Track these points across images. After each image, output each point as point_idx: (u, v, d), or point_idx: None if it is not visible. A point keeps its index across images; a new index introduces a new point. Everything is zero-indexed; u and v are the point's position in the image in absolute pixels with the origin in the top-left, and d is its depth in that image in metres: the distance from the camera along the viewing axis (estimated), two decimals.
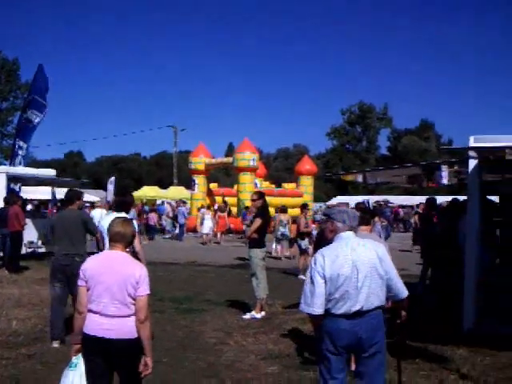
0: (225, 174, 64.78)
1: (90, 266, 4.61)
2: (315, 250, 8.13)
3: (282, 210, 19.22)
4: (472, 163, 8.11)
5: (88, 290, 4.50)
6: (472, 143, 8.02)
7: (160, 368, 6.38)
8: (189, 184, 35.29)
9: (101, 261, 4.67)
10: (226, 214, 27.39)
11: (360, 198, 40.45)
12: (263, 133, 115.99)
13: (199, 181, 32.31)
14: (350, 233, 4.70)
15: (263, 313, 9.97)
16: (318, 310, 4.50)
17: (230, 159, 32.15)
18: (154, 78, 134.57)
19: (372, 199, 42.63)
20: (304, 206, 16.35)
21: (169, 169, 58.37)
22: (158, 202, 38.39)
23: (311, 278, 4.55)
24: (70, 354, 4.73)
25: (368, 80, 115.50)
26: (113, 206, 8.70)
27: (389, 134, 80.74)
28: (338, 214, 4.76)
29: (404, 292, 4.70)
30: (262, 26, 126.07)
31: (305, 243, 15.50)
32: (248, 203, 26.36)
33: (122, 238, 4.63)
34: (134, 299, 4.44)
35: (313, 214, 32.84)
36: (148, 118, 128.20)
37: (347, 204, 23.74)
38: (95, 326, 4.45)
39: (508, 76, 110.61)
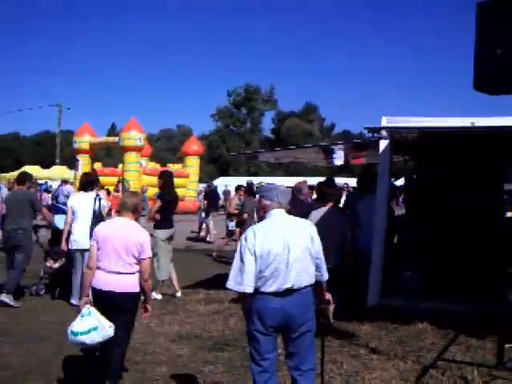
0: (106, 155, 63.06)
1: (102, 229, 5.48)
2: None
3: None
4: (383, 143, 8.19)
5: (98, 249, 5.29)
6: (384, 123, 8.15)
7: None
8: (72, 164, 34.00)
9: (111, 225, 5.57)
10: (120, 193, 26.75)
11: (243, 179, 40.80)
12: (146, 113, 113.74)
13: (84, 160, 31.16)
14: (282, 210, 4.64)
15: (160, 296, 9.74)
16: (249, 288, 4.38)
17: (115, 138, 31.24)
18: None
19: (256, 180, 42.95)
20: (239, 187, 16.26)
21: (51, 148, 56.27)
22: (41, 181, 36.77)
23: (241, 255, 4.44)
24: (81, 306, 5.36)
25: (254, 62, 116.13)
26: (80, 185, 9.42)
27: (273, 116, 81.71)
28: (267, 192, 4.72)
29: (326, 274, 4.71)
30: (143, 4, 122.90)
31: (232, 224, 15.38)
32: (132, 182, 26.62)
33: (129, 207, 5.46)
34: (138, 261, 5.28)
35: (197, 194, 32.80)
36: (29, 96, 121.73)
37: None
38: (102, 280, 5.26)
39: (391, 60, 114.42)
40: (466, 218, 8.89)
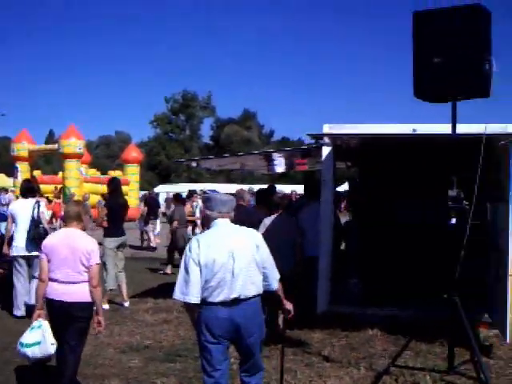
0: (46, 162, 61.74)
1: (49, 241, 5.50)
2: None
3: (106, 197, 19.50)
4: (326, 150, 8.24)
5: (48, 261, 5.31)
6: (327, 130, 8.19)
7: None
8: (10, 171, 33.07)
9: (58, 236, 5.59)
10: (61, 200, 26.24)
11: (185, 187, 40.60)
12: (84, 120, 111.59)
13: (22, 168, 30.38)
14: (226, 220, 4.62)
15: (107, 305, 9.51)
16: (195, 298, 4.36)
17: (55, 146, 30.59)
18: None
19: (198, 187, 42.80)
20: (192, 193, 16.00)
21: None
22: None
23: (186, 266, 4.41)
24: (33, 318, 5.37)
25: (191, 69, 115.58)
26: (20, 192, 9.28)
27: (212, 123, 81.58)
28: (209, 202, 4.68)
29: (275, 283, 4.70)
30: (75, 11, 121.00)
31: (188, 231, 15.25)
32: (74, 190, 26.05)
33: (72, 216, 5.50)
34: (87, 268, 5.28)
35: (139, 202, 32.38)
36: None
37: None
38: (55, 291, 5.27)
39: (331, 66, 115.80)
40: (411, 225, 9.03)
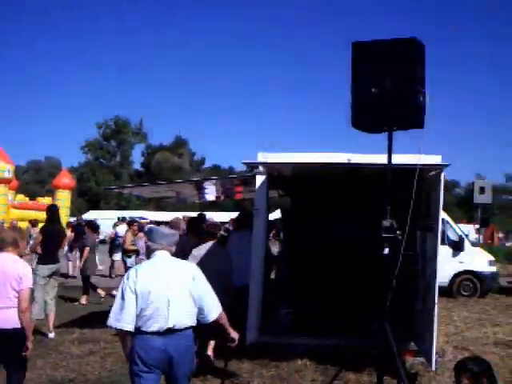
0: None
1: None
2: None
3: (34, 223, 19.92)
4: (260, 179, 8.20)
5: None
6: (261, 158, 8.16)
7: None
8: None
9: None
10: None
11: (114, 213, 39.97)
12: (11, 144, 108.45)
13: None
14: (166, 252, 4.74)
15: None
16: (128, 325, 4.40)
17: None
18: None
19: (127, 214, 42.18)
20: (132, 222, 15.71)
21: None
22: None
23: (122, 293, 4.46)
24: None
25: (124, 95, 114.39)
26: None
27: (143, 149, 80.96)
28: (151, 234, 4.84)
29: (213, 315, 4.73)
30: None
31: (131, 261, 14.86)
32: (1, 216, 25.28)
33: (8, 241, 5.44)
34: (18, 292, 5.19)
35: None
36: None
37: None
38: None
39: (262, 95, 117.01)
40: (342, 254, 9.08)
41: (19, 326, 5.19)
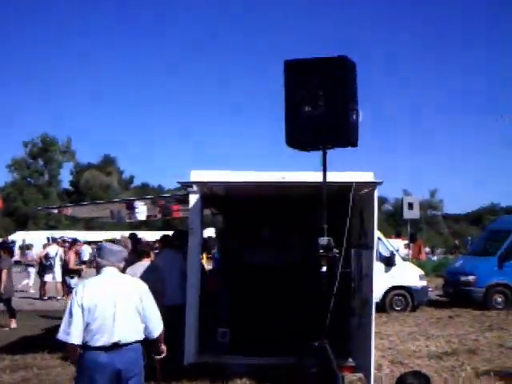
0: None
1: None
2: None
3: None
4: (193, 198, 8.12)
5: None
6: (194, 177, 8.09)
7: None
8: None
9: None
10: None
11: (43, 234, 39.02)
12: None
13: None
14: (114, 268, 4.90)
15: None
16: (75, 339, 4.52)
17: None
18: None
19: (57, 234, 41.24)
20: (74, 242, 15.29)
21: None
22: None
23: (70, 308, 4.61)
24: None
25: (51, 112, 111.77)
26: None
27: (72, 168, 79.39)
28: (100, 251, 4.99)
29: (156, 331, 4.88)
30: None
31: (74, 282, 14.54)
32: None
33: None
34: None
35: None
36: None
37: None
38: None
39: (191, 112, 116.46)
40: (279, 271, 9.08)
41: None
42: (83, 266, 16.89)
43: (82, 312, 4.54)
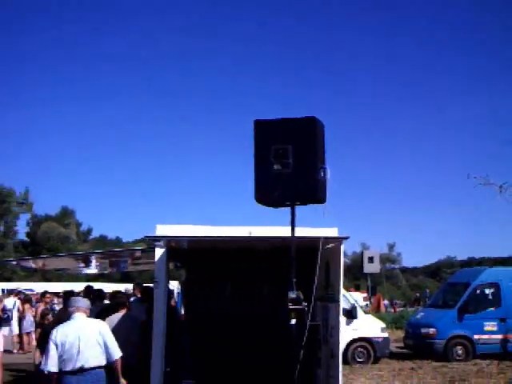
0: None
1: None
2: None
3: None
4: (159, 251, 8.16)
5: None
6: (160, 230, 8.17)
7: None
8: None
9: None
10: None
11: None
12: None
13: None
14: (81, 313, 6.56)
15: None
16: (52, 368, 6.21)
17: None
18: None
19: (13, 286, 40.29)
20: (44, 294, 14.99)
21: None
22: None
23: (49, 345, 6.28)
24: None
25: (8, 163, 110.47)
26: None
27: (29, 219, 78.15)
28: (70, 302, 6.76)
29: (115, 355, 6.43)
30: None
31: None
32: None
33: None
34: None
35: None
36: None
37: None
38: None
39: (156, 164, 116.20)
40: (245, 323, 9.11)
41: None
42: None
43: (56, 348, 6.23)
